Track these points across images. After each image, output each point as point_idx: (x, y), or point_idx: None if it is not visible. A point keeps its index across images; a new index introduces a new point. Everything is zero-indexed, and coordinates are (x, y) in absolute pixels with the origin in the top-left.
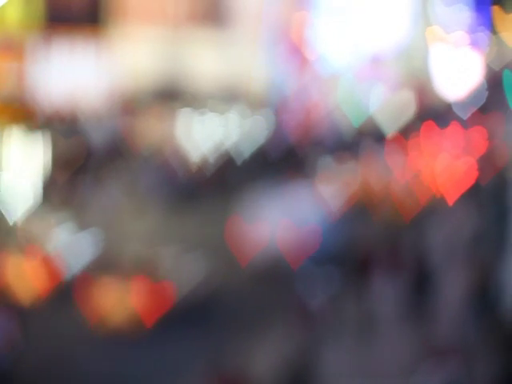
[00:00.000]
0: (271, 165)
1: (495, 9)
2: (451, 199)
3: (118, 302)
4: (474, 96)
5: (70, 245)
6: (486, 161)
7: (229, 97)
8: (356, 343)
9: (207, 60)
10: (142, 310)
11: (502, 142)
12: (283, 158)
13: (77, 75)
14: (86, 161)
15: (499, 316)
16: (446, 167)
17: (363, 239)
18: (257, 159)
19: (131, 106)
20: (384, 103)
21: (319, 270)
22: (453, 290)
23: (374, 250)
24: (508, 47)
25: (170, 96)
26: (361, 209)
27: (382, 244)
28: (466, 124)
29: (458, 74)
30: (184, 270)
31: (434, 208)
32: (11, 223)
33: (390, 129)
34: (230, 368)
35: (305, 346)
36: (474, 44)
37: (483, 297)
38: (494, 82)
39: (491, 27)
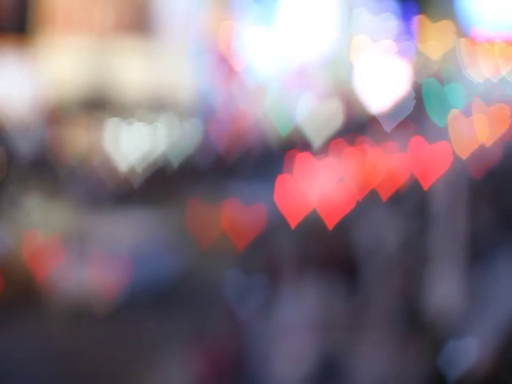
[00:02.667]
0: (200, 173)
1: (421, 18)
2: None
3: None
4: (399, 106)
5: None
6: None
7: (157, 106)
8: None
9: (134, 69)
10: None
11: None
12: (212, 167)
13: (2, 84)
14: (11, 170)
15: (422, 320)
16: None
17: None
18: (186, 168)
19: (58, 115)
20: (311, 113)
21: (248, 278)
22: (380, 293)
23: (301, 254)
24: (432, 57)
25: (98, 105)
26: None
27: (310, 248)
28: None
29: (385, 84)
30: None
31: (359, 214)
32: None
33: (317, 138)
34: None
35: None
36: (401, 53)
37: (407, 303)
38: (418, 91)
39: (418, 36)
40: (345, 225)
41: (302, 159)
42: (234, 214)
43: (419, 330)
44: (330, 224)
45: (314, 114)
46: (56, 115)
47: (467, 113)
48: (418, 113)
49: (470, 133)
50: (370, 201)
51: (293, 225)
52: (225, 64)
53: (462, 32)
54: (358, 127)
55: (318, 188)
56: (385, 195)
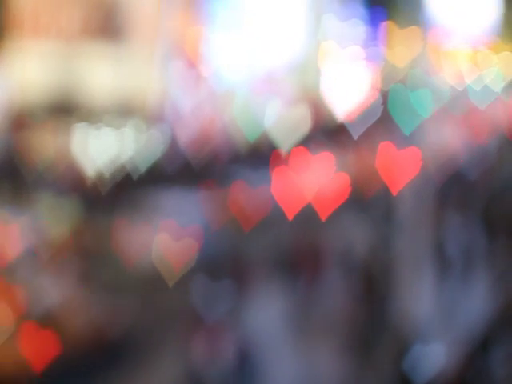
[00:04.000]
0: (167, 179)
1: (389, 24)
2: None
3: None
4: (367, 112)
5: None
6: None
7: (124, 111)
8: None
9: (102, 74)
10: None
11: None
12: (179, 172)
13: None
14: None
15: (388, 326)
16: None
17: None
18: (153, 174)
19: (25, 120)
20: (279, 118)
21: (215, 284)
22: (346, 297)
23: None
24: (399, 63)
25: (65, 110)
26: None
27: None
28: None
29: (352, 90)
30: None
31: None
32: None
33: (285, 144)
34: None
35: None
36: (369, 59)
37: (374, 307)
38: (385, 97)
39: (385, 42)
40: (320, 225)
41: (295, 154)
42: (241, 197)
43: (385, 335)
44: (323, 217)
45: (282, 119)
46: (23, 120)
47: (434, 120)
48: (385, 119)
49: (437, 140)
50: (345, 204)
51: (290, 216)
52: (193, 69)
53: (430, 38)
54: (326, 133)
55: (311, 182)
56: (360, 199)
